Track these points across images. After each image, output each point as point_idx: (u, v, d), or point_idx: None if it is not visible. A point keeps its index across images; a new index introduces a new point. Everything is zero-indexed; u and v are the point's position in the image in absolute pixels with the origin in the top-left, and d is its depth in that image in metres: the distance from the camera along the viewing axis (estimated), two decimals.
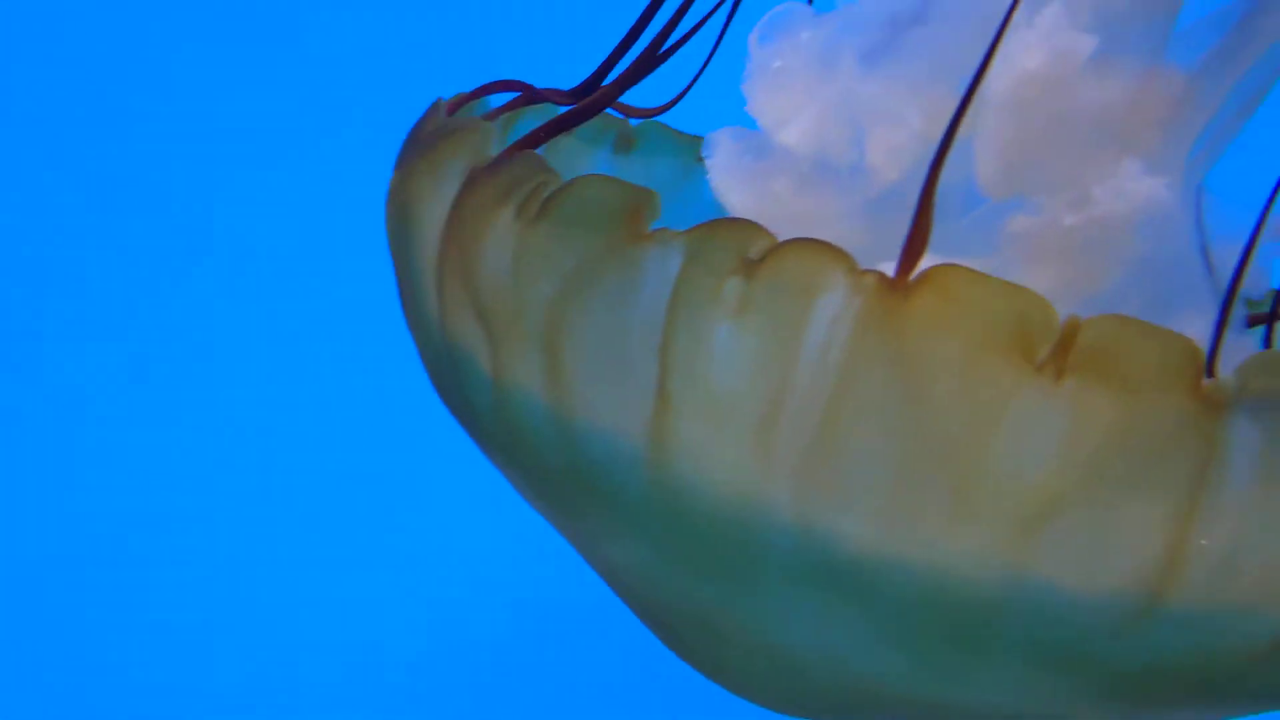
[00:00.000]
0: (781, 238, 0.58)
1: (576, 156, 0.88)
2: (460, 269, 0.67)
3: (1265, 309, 0.84)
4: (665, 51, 0.74)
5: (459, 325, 0.68)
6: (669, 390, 0.60)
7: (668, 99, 0.85)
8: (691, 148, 0.92)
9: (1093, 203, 0.65)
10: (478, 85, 0.77)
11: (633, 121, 0.91)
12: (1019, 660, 0.61)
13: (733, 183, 0.72)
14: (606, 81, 0.74)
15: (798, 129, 0.69)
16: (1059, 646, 0.59)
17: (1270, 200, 0.64)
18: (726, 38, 0.80)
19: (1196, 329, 0.63)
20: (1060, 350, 0.54)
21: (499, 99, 0.79)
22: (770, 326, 0.57)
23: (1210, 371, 0.56)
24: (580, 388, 0.63)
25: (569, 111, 0.73)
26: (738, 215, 0.63)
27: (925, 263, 0.56)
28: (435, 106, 0.75)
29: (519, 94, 0.76)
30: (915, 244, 0.56)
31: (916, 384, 0.55)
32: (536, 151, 0.68)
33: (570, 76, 0.77)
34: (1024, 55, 0.65)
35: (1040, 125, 0.65)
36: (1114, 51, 0.66)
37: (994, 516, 0.56)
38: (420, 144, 0.71)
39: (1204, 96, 0.68)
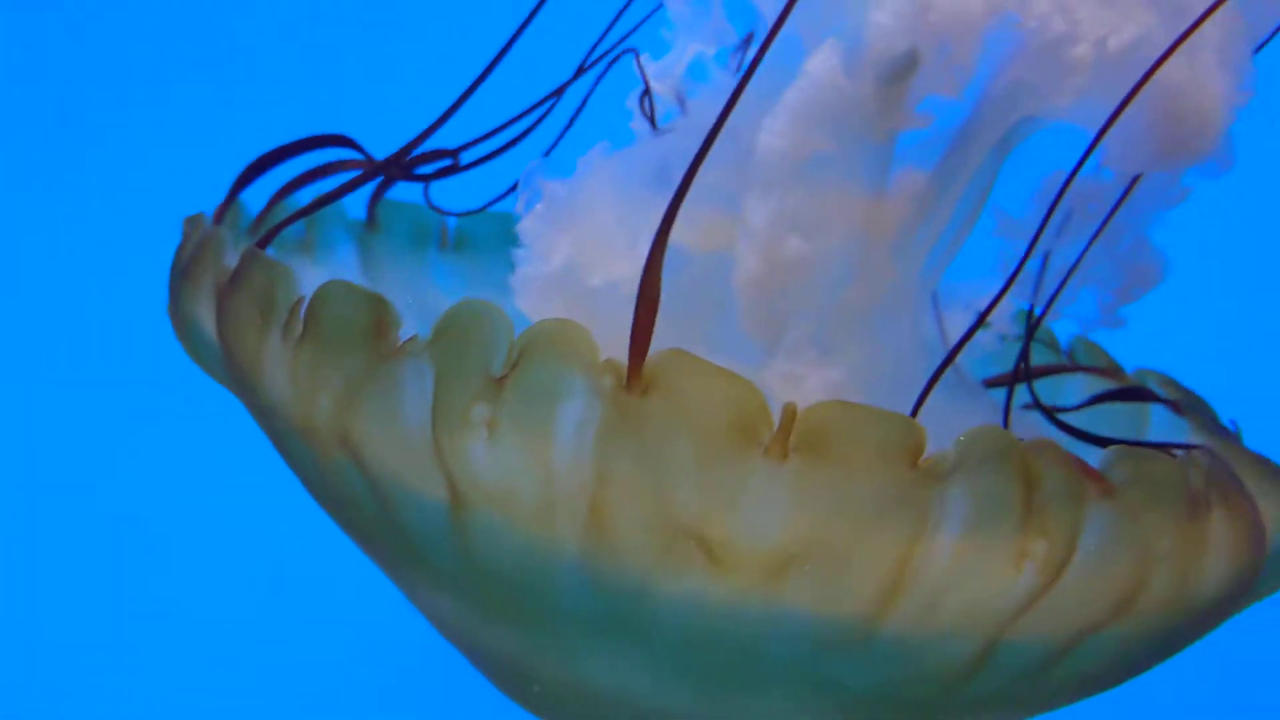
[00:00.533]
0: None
1: (403, 259, 0.93)
2: (253, 389, 0.71)
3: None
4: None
5: (281, 426, 0.72)
6: (457, 488, 0.65)
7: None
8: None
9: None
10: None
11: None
12: (781, 686, 0.67)
13: (526, 300, 0.77)
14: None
15: (560, 257, 0.75)
16: (809, 672, 0.66)
17: (1003, 290, 0.72)
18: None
19: (937, 404, 0.68)
20: (781, 434, 0.59)
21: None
22: (522, 441, 0.62)
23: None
24: (384, 476, 0.68)
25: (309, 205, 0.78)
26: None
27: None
28: (192, 222, 0.78)
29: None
30: (639, 345, 0.61)
31: (661, 470, 0.61)
32: (269, 253, 0.73)
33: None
34: (745, 259, 0.71)
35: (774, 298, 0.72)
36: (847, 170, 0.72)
37: (744, 570, 0.62)
38: (179, 269, 0.75)
39: (939, 199, 0.74)
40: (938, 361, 0.69)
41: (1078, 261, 0.73)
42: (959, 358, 0.72)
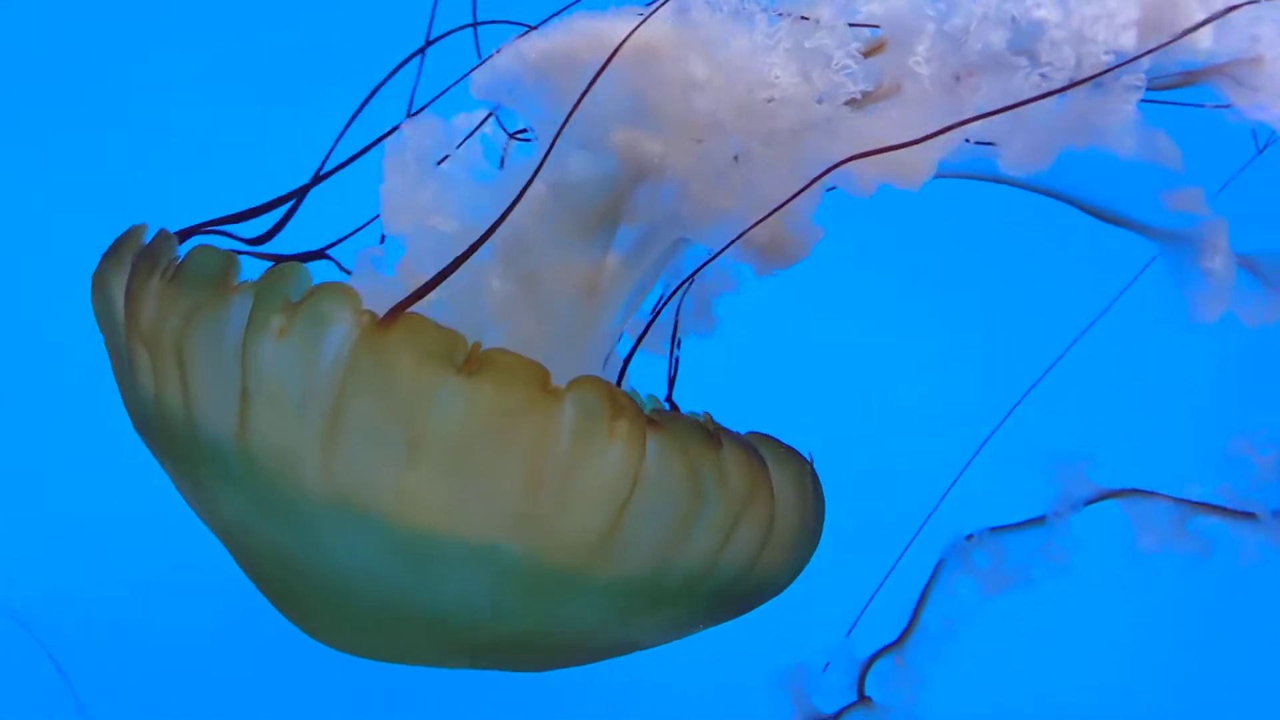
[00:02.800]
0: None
1: None
2: (132, 318, 1.03)
3: None
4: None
5: (137, 357, 1.03)
6: (246, 387, 0.95)
7: None
8: None
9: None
10: None
11: None
12: (463, 563, 0.95)
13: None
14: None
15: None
16: (481, 552, 0.95)
17: (644, 331, 1.06)
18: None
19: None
20: (470, 360, 0.92)
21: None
22: (300, 345, 0.93)
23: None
24: (200, 390, 0.97)
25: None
26: None
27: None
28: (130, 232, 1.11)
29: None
30: (402, 305, 0.93)
31: (387, 378, 0.92)
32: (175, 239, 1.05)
33: None
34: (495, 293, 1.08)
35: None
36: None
37: (435, 455, 0.92)
38: (109, 252, 1.09)
39: (629, 274, 1.10)
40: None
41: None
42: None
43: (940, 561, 1.32)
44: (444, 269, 0.96)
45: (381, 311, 0.94)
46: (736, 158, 1.03)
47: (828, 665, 1.36)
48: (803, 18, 1.00)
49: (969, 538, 1.32)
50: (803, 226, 1.05)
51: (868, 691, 1.36)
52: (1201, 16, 0.99)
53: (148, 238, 1.05)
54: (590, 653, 1.08)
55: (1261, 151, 1.18)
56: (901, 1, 1.00)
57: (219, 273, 0.98)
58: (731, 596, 1.04)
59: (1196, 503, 1.28)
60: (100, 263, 1.08)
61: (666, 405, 1.24)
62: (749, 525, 0.99)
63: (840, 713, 1.35)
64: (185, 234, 1.09)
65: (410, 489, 0.93)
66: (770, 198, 1.03)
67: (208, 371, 0.97)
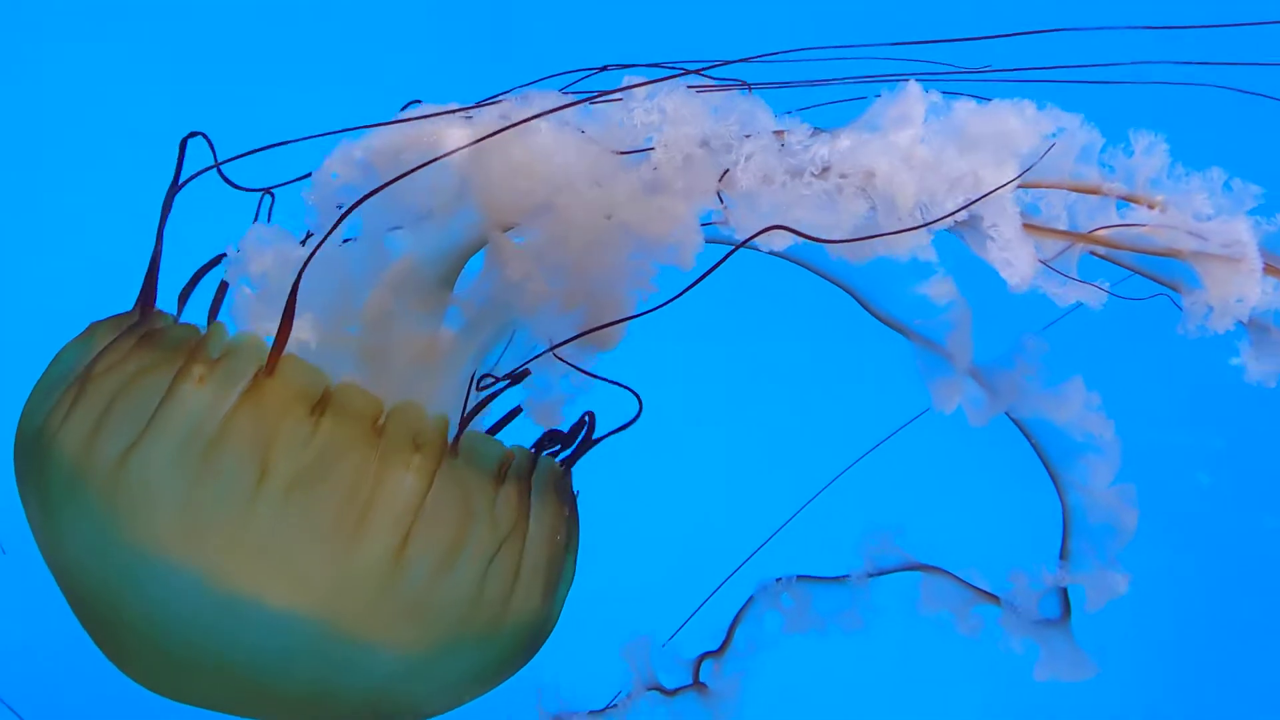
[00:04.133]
0: None
1: None
2: (94, 364, 1.21)
3: None
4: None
5: (66, 394, 1.21)
6: (151, 421, 1.14)
7: None
8: None
9: None
10: None
11: None
12: (277, 578, 1.13)
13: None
14: None
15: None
16: (293, 563, 1.14)
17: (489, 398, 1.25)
18: None
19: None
20: (321, 403, 1.13)
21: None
22: (214, 388, 1.14)
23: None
24: (108, 426, 1.16)
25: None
26: None
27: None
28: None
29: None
30: (276, 350, 1.14)
31: (264, 412, 1.13)
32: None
33: None
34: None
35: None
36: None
37: (279, 476, 1.12)
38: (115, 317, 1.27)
39: (468, 341, 1.30)
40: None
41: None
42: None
43: (751, 598, 1.51)
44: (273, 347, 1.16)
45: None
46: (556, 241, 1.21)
47: (668, 640, 1.52)
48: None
49: (778, 580, 1.50)
50: (620, 311, 1.23)
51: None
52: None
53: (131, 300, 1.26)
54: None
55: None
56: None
57: (184, 340, 1.18)
58: (501, 636, 1.22)
59: (982, 590, 1.47)
60: (104, 320, 1.27)
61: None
62: (507, 554, 1.18)
63: (678, 690, 1.50)
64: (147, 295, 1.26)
65: (241, 531, 1.12)
66: (590, 283, 1.22)
67: (127, 409, 1.16)
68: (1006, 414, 1.37)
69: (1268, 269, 1.17)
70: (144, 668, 1.23)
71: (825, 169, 1.16)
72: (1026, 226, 1.18)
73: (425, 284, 1.28)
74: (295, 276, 1.16)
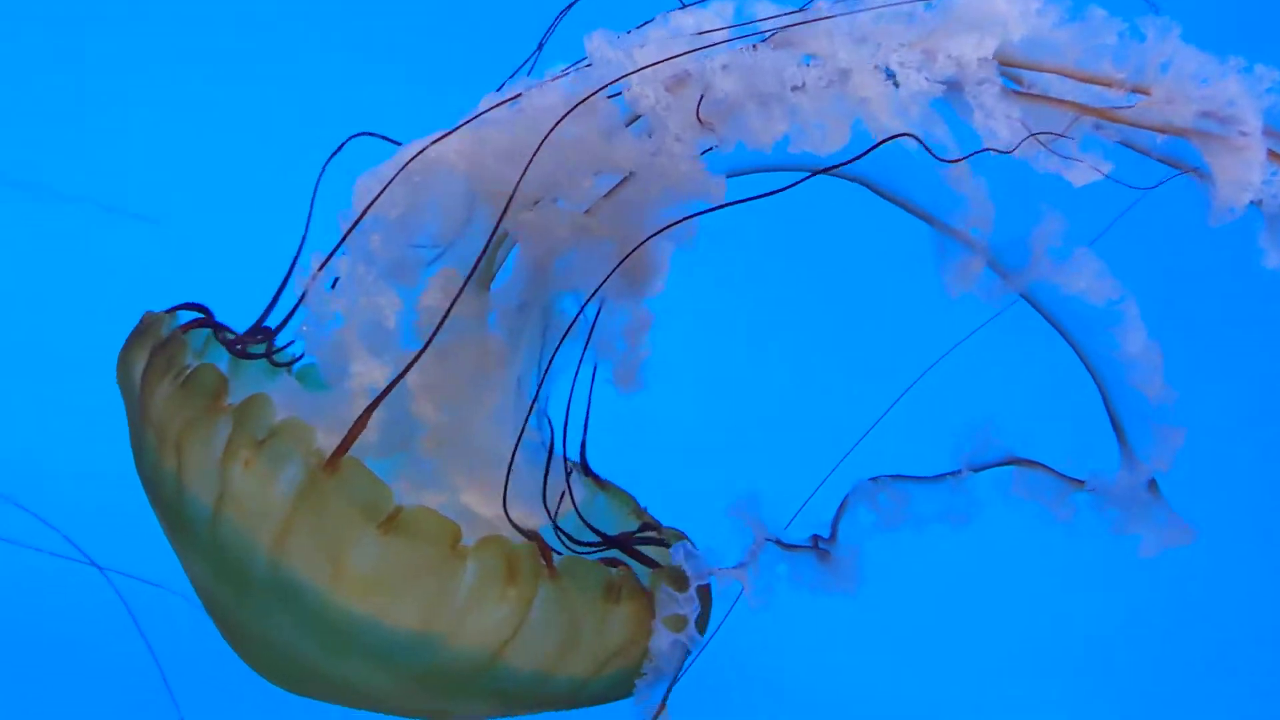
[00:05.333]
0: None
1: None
2: (145, 407, 1.25)
3: None
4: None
5: (146, 433, 1.25)
6: (221, 493, 1.18)
7: None
8: None
9: None
10: None
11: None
12: (359, 658, 1.20)
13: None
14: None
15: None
16: (379, 655, 1.21)
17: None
18: None
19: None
20: (391, 517, 1.15)
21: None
22: (261, 476, 1.17)
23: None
24: (189, 479, 1.21)
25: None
26: None
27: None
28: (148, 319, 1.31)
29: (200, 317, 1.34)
30: (342, 448, 1.16)
31: (321, 516, 1.16)
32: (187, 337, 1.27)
33: None
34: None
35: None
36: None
37: (349, 583, 1.16)
38: (132, 337, 1.30)
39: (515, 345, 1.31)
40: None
41: None
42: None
43: (846, 499, 1.50)
44: (369, 405, 1.20)
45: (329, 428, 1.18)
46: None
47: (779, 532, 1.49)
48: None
49: (873, 480, 1.49)
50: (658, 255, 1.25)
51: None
52: None
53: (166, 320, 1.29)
54: None
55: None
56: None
57: (213, 391, 1.20)
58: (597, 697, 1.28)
59: (1071, 478, 1.45)
60: (125, 345, 1.30)
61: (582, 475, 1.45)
62: (616, 666, 1.23)
63: (799, 546, 1.47)
64: (191, 319, 1.29)
65: (326, 599, 1.17)
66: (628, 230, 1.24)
67: (196, 469, 1.21)
68: (1023, 295, 1.37)
69: (1272, 154, 1.16)
70: (259, 664, 1.33)
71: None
72: (1024, 95, 1.20)
73: (467, 292, 1.28)
74: (369, 405, 1.19)
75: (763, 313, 2.56)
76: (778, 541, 1.45)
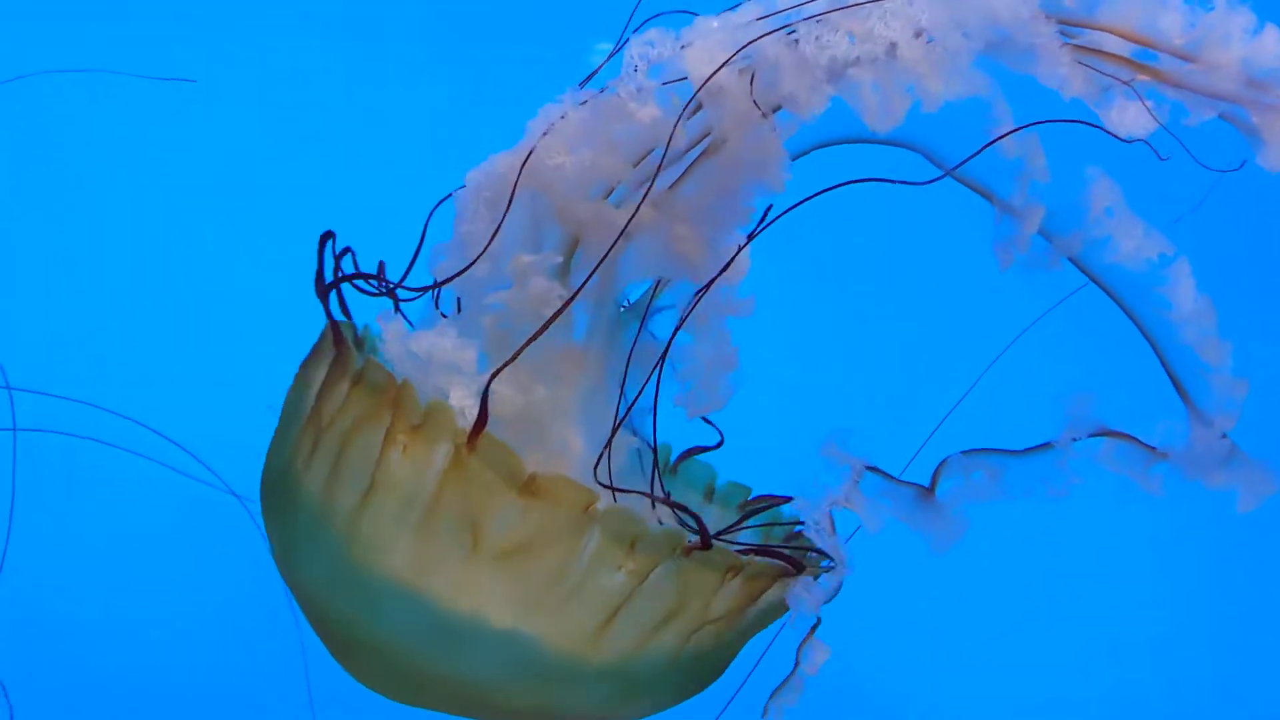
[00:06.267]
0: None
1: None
2: (317, 410, 1.34)
3: None
4: None
5: (304, 438, 1.34)
6: (374, 481, 1.27)
7: None
8: None
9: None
10: None
11: None
12: (488, 646, 1.27)
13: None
14: None
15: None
16: (504, 644, 1.28)
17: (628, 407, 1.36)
18: None
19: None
20: (528, 484, 1.24)
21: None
22: (416, 457, 1.26)
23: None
24: (342, 475, 1.30)
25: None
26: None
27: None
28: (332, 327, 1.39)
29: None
30: (476, 429, 1.25)
31: (471, 485, 1.25)
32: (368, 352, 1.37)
33: None
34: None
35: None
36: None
37: (490, 551, 1.26)
38: (316, 346, 1.39)
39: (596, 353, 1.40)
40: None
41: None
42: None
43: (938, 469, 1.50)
44: (489, 377, 1.27)
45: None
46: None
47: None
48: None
49: (964, 453, 1.49)
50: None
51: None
52: None
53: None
54: None
55: None
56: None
57: (384, 386, 1.29)
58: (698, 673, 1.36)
59: (1155, 448, 1.46)
60: (306, 359, 1.39)
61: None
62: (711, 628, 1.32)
63: (905, 482, 1.48)
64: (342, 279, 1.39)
65: (462, 578, 1.25)
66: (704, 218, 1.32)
67: (353, 462, 1.29)
68: (1072, 260, 1.40)
69: None
70: (369, 676, 1.39)
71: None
72: (1080, 49, 1.24)
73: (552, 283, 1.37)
74: (489, 378, 1.26)
75: (832, 299, 2.61)
76: (880, 471, 1.46)
